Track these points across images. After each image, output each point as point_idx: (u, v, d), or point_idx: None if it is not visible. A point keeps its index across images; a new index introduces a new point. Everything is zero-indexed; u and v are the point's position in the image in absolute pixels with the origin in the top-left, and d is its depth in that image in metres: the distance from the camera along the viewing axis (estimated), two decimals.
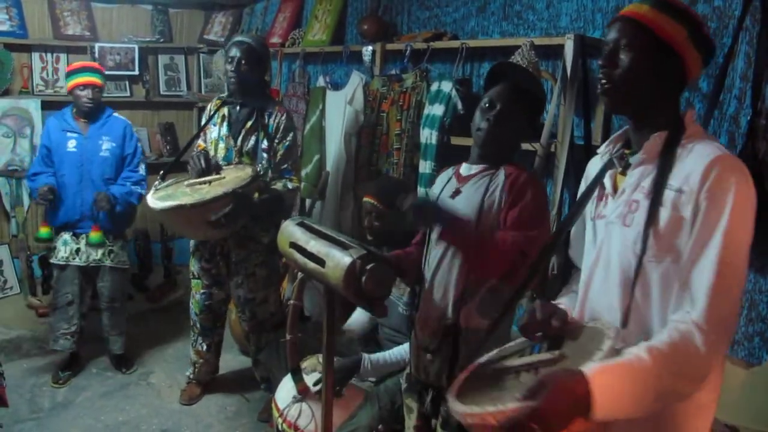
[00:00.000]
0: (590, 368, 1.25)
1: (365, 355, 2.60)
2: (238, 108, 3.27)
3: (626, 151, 1.54)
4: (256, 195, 3.06)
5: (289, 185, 3.22)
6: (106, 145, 3.79)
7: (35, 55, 4.96)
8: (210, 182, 2.97)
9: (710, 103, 2.26)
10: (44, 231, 3.76)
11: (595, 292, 1.53)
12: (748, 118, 2.19)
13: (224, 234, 3.08)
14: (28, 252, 4.92)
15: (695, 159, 1.36)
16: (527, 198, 1.93)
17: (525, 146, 2.73)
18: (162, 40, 5.50)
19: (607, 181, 1.55)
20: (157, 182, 3.12)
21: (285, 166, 3.25)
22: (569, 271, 2.45)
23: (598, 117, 2.71)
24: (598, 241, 1.53)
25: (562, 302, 1.69)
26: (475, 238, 1.93)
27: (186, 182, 3.04)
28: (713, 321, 1.28)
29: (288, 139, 3.25)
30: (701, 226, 1.31)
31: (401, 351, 2.58)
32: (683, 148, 1.40)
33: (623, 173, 1.51)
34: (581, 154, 2.66)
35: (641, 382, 1.26)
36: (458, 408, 1.37)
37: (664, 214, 1.36)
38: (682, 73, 1.45)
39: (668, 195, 1.36)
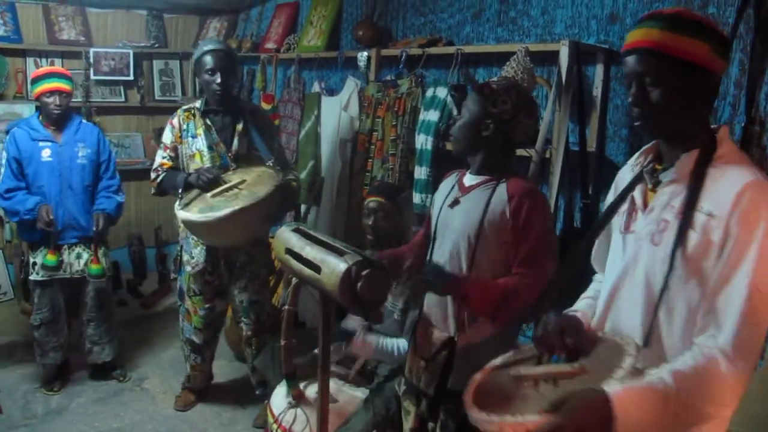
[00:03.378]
0: (614, 389, 1.26)
1: (361, 329, 2.58)
2: (221, 115, 3.26)
3: (657, 166, 1.51)
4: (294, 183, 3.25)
5: (296, 173, 3.39)
6: (83, 152, 3.69)
7: (30, 60, 4.96)
8: (237, 187, 2.99)
9: None
10: (51, 258, 3.56)
11: (620, 307, 1.52)
12: (742, 125, 2.20)
13: (271, 227, 3.24)
14: (22, 257, 4.89)
15: (727, 183, 1.34)
16: (535, 231, 1.91)
17: (520, 152, 2.75)
18: (157, 45, 5.50)
19: (637, 195, 1.52)
20: (178, 203, 3.04)
21: (284, 159, 3.40)
22: (569, 279, 2.45)
23: (593, 123, 2.72)
24: (627, 256, 1.51)
25: (579, 310, 1.68)
26: (488, 297, 1.90)
27: (209, 195, 2.99)
28: (739, 348, 1.28)
29: (276, 135, 3.42)
30: (731, 252, 1.30)
31: (395, 343, 2.56)
32: (715, 169, 1.37)
33: (654, 190, 1.49)
34: (576, 160, 2.67)
35: (664, 405, 1.26)
36: (475, 414, 1.37)
37: (694, 237, 1.35)
38: (711, 85, 1.42)
39: (699, 218, 1.35)
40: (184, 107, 3.37)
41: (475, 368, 1.97)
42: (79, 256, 3.72)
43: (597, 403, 1.24)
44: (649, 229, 1.45)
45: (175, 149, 3.29)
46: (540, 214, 1.94)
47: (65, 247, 3.68)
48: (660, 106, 1.40)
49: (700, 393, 1.28)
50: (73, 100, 4.76)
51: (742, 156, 1.44)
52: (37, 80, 3.61)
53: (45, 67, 4.02)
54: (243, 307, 3.41)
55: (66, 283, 3.73)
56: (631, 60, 1.43)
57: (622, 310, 1.52)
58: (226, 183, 3.03)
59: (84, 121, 3.87)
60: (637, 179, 1.54)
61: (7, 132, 3.75)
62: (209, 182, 3.02)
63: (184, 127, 3.27)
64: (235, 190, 2.96)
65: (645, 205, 1.50)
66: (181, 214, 2.94)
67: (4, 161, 3.65)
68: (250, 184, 2.99)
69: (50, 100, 3.58)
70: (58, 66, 5.00)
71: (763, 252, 1.28)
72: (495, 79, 2.18)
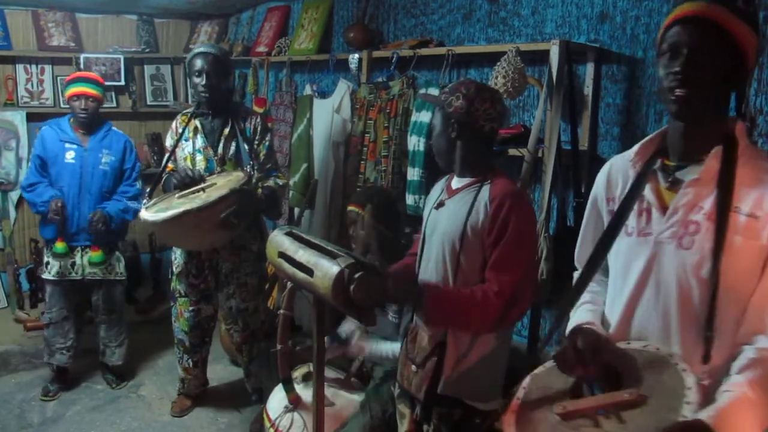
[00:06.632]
0: (709, 415, 1.20)
1: (357, 331, 2.58)
2: (210, 118, 3.27)
3: (667, 162, 1.46)
4: (259, 191, 3.14)
5: (279, 182, 3.30)
6: (106, 158, 3.74)
7: (20, 67, 4.95)
8: (203, 189, 2.96)
9: None
10: (60, 246, 3.60)
11: (644, 313, 1.47)
12: None
13: (232, 235, 3.08)
14: (16, 265, 4.88)
15: (763, 182, 1.31)
16: (510, 235, 1.91)
17: (512, 152, 2.75)
18: (148, 50, 5.48)
19: (649, 195, 1.46)
20: (144, 201, 3.11)
21: (269, 165, 3.32)
22: (559, 277, 2.45)
23: (584, 122, 2.73)
24: (644, 259, 1.44)
25: (589, 321, 1.57)
26: (458, 308, 1.91)
27: (176, 195, 3.01)
28: None
29: (267, 139, 3.34)
30: None
31: (389, 348, 2.56)
32: (742, 167, 1.33)
33: (672, 189, 1.43)
34: (569, 159, 2.67)
35: (754, 419, 1.24)
36: None
37: (737, 240, 1.31)
38: (744, 78, 1.38)
39: (739, 220, 1.31)
40: (184, 111, 3.42)
41: (465, 374, 1.98)
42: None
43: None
44: (673, 231, 1.39)
45: (174, 152, 3.32)
46: (518, 219, 1.92)
47: (78, 249, 3.71)
48: (707, 79, 1.33)
49: None
50: (62, 106, 4.77)
51: (759, 151, 1.40)
52: (68, 83, 3.72)
53: (77, 72, 4.07)
54: (231, 313, 3.42)
55: (77, 285, 3.77)
56: (683, 30, 1.34)
57: (647, 318, 1.46)
58: (198, 185, 3.03)
59: (114, 128, 3.88)
60: (643, 177, 1.47)
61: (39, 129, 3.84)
62: (181, 182, 3.05)
63: (181, 130, 3.30)
64: (200, 193, 2.94)
65: (662, 206, 1.44)
66: (141, 213, 2.95)
67: (32, 156, 3.79)
68: (217, 188, 2.95)
69: (77, 103, 3.66)
70: (48, 73, 5.01)
71: None
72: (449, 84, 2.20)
